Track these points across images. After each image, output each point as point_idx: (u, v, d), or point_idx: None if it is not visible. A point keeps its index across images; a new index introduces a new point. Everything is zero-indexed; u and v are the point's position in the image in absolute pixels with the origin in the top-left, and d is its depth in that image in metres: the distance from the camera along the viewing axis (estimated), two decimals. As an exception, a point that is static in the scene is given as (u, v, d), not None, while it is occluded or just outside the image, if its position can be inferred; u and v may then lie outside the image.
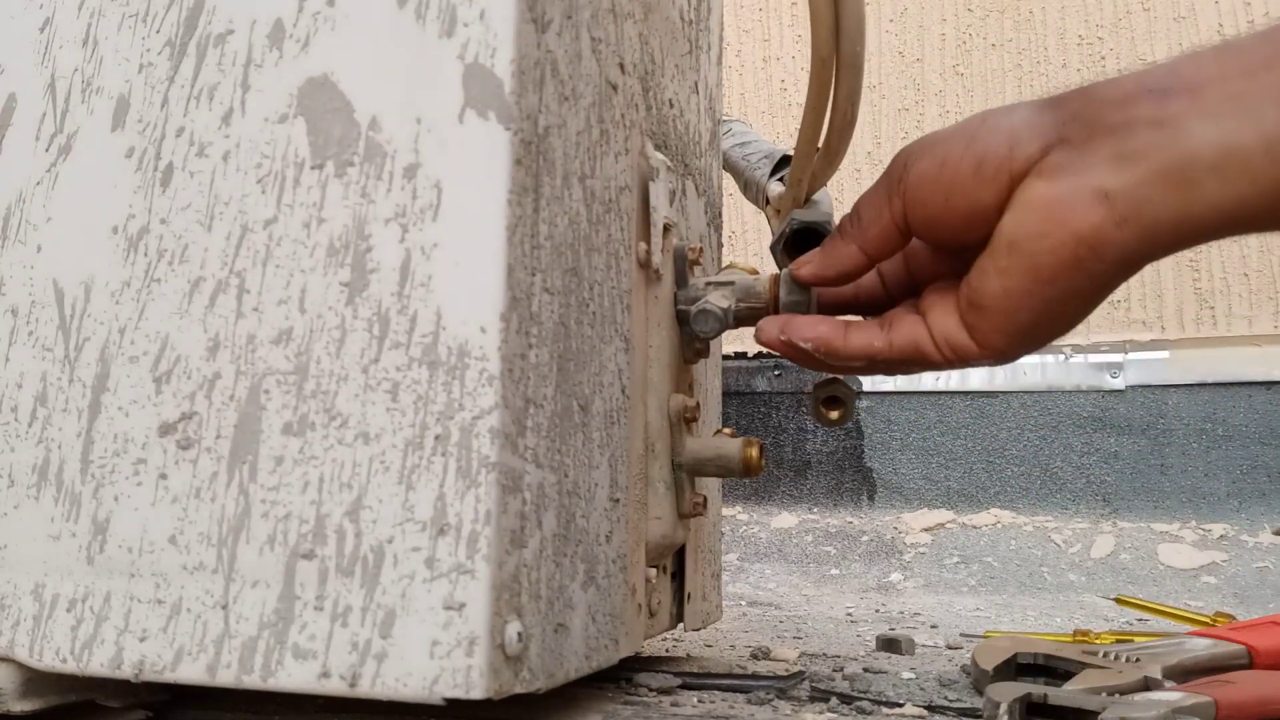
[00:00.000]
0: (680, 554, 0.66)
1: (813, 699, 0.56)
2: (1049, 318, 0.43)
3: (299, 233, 0.45)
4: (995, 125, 0.43)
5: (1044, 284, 0.41)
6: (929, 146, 0.46)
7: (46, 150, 0.50)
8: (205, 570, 0.43)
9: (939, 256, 0.50)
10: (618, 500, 0.52)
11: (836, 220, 0.54)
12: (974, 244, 0.44)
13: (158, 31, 0.49)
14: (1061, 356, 1.66)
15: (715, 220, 0.78)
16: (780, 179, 1.13)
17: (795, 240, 0.76)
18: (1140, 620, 1.08)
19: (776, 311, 0.56)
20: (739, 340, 1.83)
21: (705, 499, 0.62)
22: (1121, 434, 1.60)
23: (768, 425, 1.81)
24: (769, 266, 0.62)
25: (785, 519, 1.72)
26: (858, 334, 0.49)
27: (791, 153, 0.91)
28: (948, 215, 0.44)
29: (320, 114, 0.45)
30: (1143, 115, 0.39)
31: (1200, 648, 0.63)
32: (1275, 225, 0.39)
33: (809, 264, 0.52)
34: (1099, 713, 0.47)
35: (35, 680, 0.46)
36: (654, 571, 0.59)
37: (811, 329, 0.50)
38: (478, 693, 0.39)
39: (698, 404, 0.61)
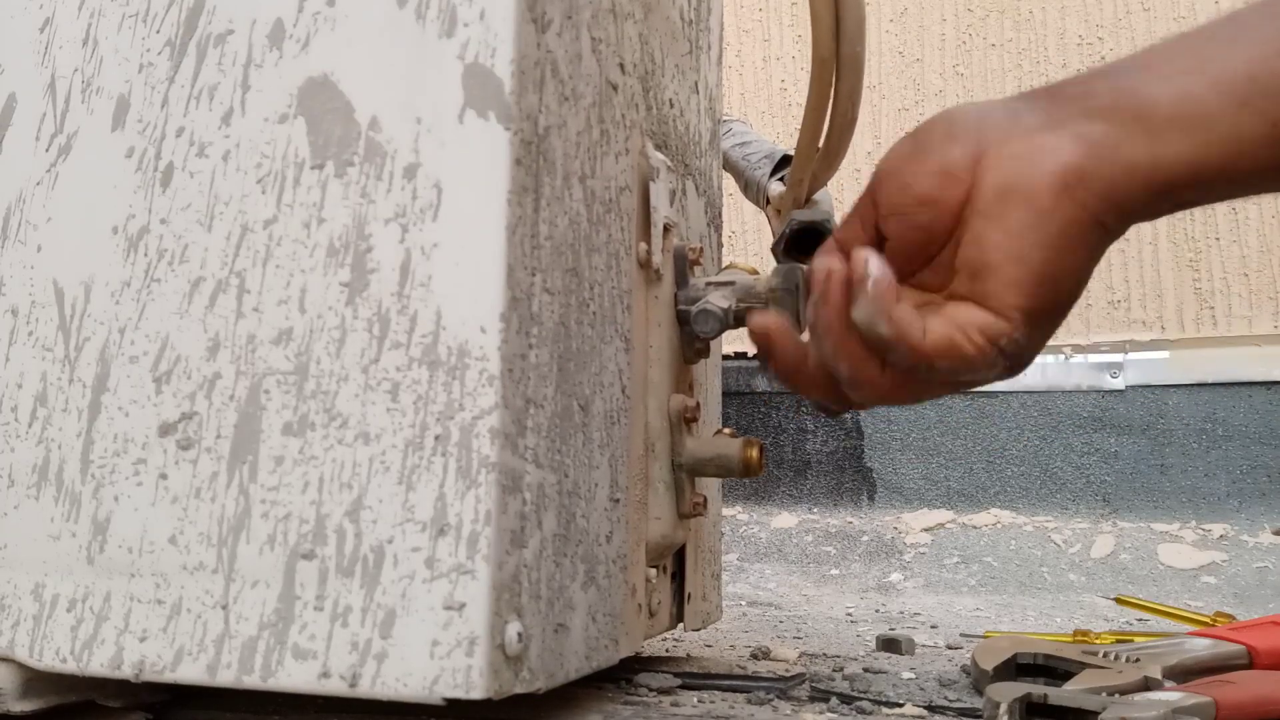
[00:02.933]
0: (680, 554, 0.66)
1: (813, 699, 0.56)
2: (1058, 259, 0.41)
3: (299, 233, 0.45)
4: (965, 107, 0.46)
5: (1043, 215, 0.41)
6: (899, 142, 0.47)
7: (46, 150, 0.50)
8: (205, 570, 0.43)
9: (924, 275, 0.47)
10: (618, 500, 0.52)
11: (837, 219, 0.54)
12: (945, 210, 0.44)
13: (158, 31, 0.49)
14: (1061, 356, 1.66)
15: (715, 220, 0.78)
16: (780, 179, 1.13)
17: (796, 240, 0.76)
18: (1140, 620, 1.08)
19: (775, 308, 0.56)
20: (739, 340, 1.83)
21: (705, 499, 0.62)
22: (1121, 434, 1.60)
23: (768, 425, 1.81)
24: (769, 266, 0.62)
25: (785, 519, 1.72)
26: (904, 310, 0.43)
27: (792, 153, 0.91)
28: (921, 179, 0.44)
29: (320, 114, 0.45)
30: (1099, 85, 0.42)
31: (1200, 648, 0.63)
32: (1240, 179, 0.40)
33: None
34: (1099, 713, 0.47)
35: (35, 680, 0.46)
36: (654, 571, 0.59)
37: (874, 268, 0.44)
38: (478, 693, 0.39)
39: (698, 404, 0.61)
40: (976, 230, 0.43)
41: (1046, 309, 0.42)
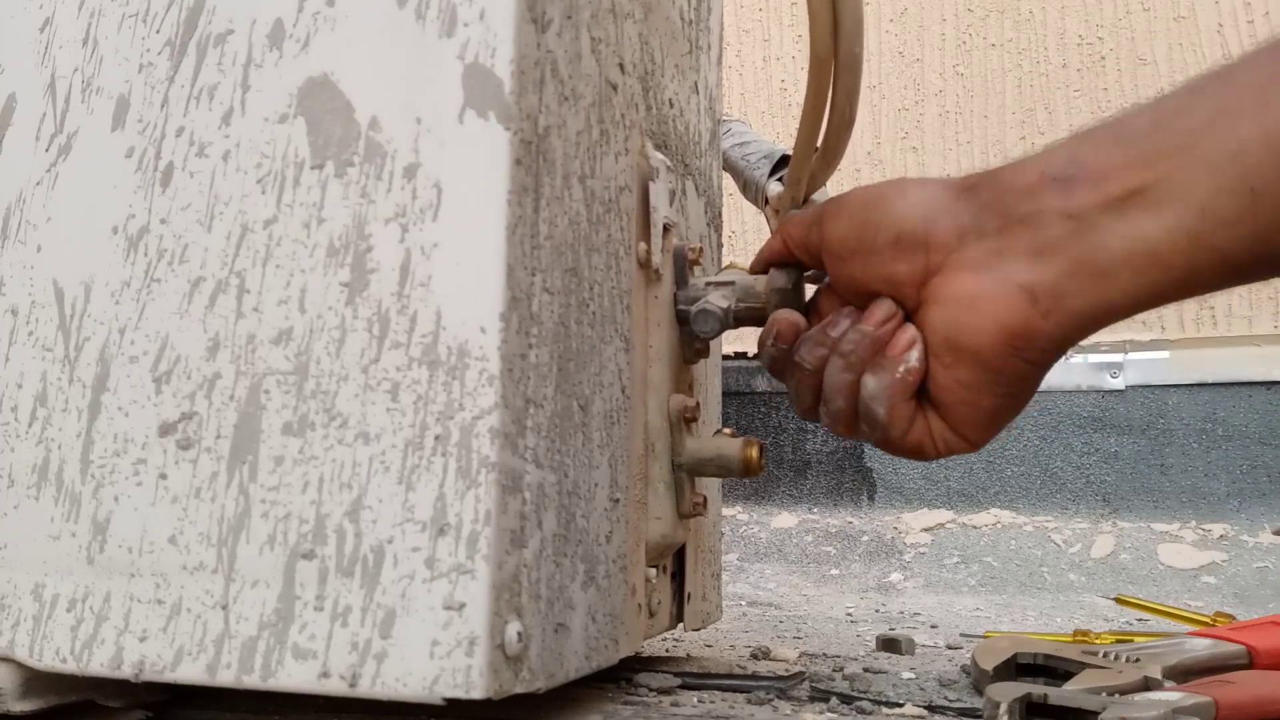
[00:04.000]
0: (680, 554, 0.66)
1: (813, 699, 0.56)
2: (1008, 398, 0.44)
3: (299, 233, 0.45)
4: (912, 200, 0.45)
5: (993, 372, 0.43)
6: (845, 206, 0.48)
7: (46, 150, 0.50)
8: (205, 570, 0.43)
9: None
10: (618, 500, 0.52)
11: None
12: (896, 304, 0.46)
13: (158, 31, 0.49)
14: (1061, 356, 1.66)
15: (715, 220, 0.78)
16: (779, 179, 1.14)
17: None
18: (1140, 620, 1.08)
19: (774, 309, 0.56)
20: (739, 340, 1.83)
21: (705, 499, 0.62)
22: (1121, 434, 1.60)
23: (768, 425, 1.81)
24: (768, 266, 0.62)
25: (785, 519, 1.72)
26: (904, 408, 0.47)
27: (790, 153, 0.91)
28: (868, 280, 0.47)
29: (320, 114, 0.45)
30: (1052, 206, 0.41)
31: (1200, 648, 0.63)
32: (1189, 296, 0.40)
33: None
34: (1099, 713, 0.47)
35: (35, 680, 0.46)
36: (654, 571, 0.59)
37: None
38: (478, 693, 0.39)
39: (698, 404, 0.61)
40: (930, 369, 0.45)
41: (999, 429, 0.47)
